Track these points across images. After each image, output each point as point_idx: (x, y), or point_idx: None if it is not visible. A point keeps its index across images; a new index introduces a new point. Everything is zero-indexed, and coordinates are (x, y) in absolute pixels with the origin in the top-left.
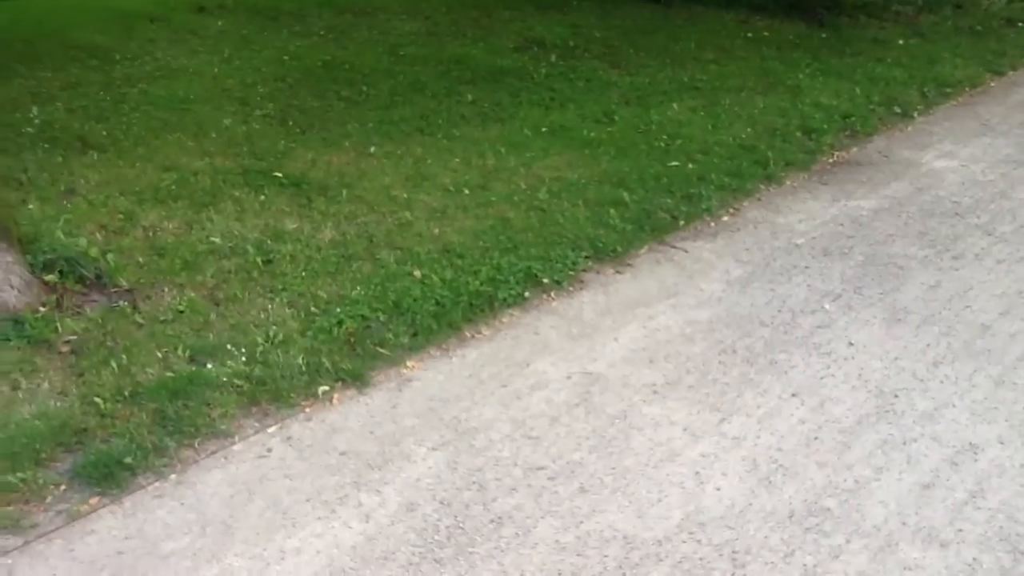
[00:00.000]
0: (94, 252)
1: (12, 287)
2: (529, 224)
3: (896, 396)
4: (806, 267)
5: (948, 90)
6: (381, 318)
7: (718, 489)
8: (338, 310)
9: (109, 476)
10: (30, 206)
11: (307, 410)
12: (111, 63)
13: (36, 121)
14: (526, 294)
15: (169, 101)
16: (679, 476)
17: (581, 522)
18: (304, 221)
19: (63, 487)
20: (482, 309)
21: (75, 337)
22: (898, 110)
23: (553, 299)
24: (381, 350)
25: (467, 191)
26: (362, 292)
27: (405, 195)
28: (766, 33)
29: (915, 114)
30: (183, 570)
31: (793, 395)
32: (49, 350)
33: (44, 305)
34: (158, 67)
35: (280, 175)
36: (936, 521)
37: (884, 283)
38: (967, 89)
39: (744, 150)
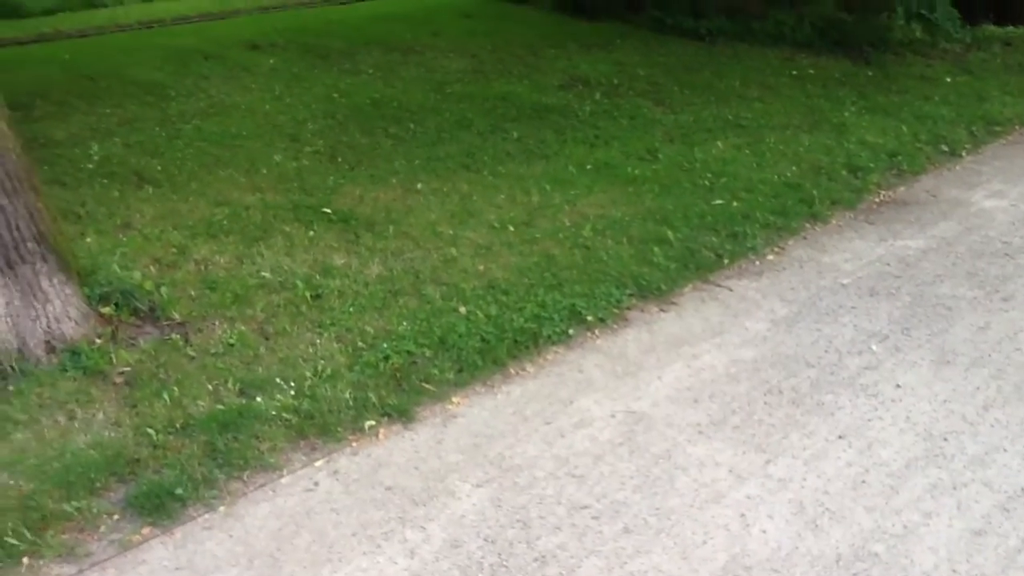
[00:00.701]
0: (148, 285)
1: (70, 318)
2: (573, 261)
3: (945, 439)
4: (852, 307)
5: (997, 128)
6: (427, 354)
7: (764, 532)
8: (384, 345)
9: (161, 507)
10: (87, 239)
11: (353, 444)
12: (166, 99)
13: (95, 157)
14: (570, 331)
15: (222, 137)
16: (724, 518)
17: (625, 563)
18: (352, 256)
19: (116, 516)
20: (527, 346)
21: (129, 368)
22: (946, 148)
23: (597, 337)
24: (426, 386)
25: (512, 228)
26: (408, 327)
27: (451, 231)
28: (811, 71)
29: (963, 153)
30: None
31: (840, 437)
32: (104, 381)
33: (100, 337)
34: (211, 103)
35: (329, 211)
36: (988, 569)
37: (932, 324)
38: (1016, 127)
39: (789, 188)
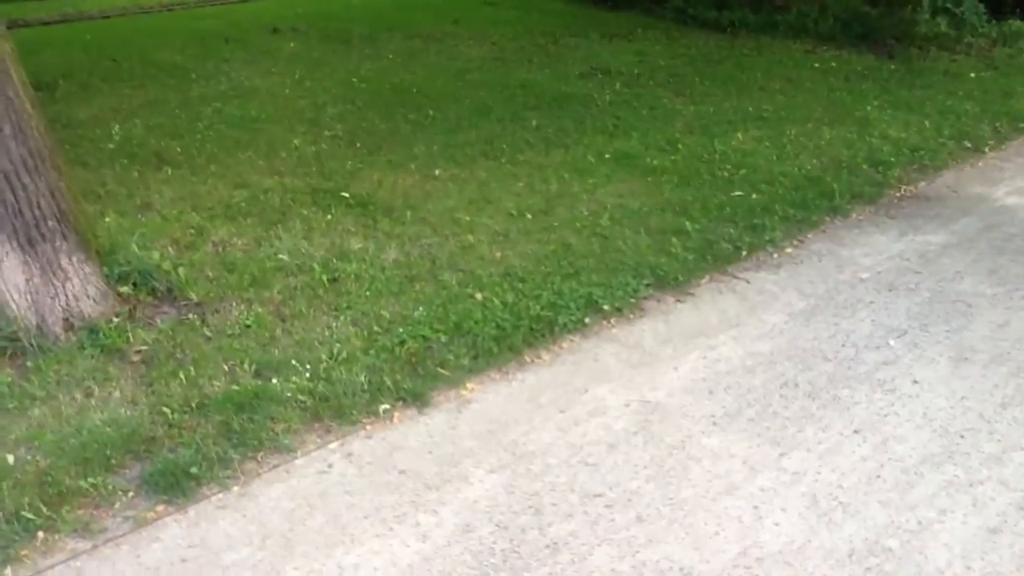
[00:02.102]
0: (166, 266)
1: (89, 297)
2: (591, 250)
3: (962, 437)
4: (871, 302)
5: (1022, 125)
6: (442, 339)
7: (777, 524)
8: (400, 330)
9: (175, 485)
10: (107, 219)
11: (368, 427)
12: (188, 82)
13: (116, 138)
14: (586, 320)
15: (242, 120)
16: (737, 510)
17: (637, 552)
18: (369, 241)
19: (131, 494)
20: (542, 334)
21: (146, 347)
22: (969, 144)
23: (613, 326)
24: (442, 371)
25: (530, 216)
26: (424, 313)
27: (468, 218)
28: (834, 64)
29: (986, 149)
30: None
31: (856, 432)
32: (121, 359)
33: (118, 315)
34: (232, 87)
35: (347, 195)
36: (1003, 568)
37: (951, 321)
38: None
39: (810, 181)
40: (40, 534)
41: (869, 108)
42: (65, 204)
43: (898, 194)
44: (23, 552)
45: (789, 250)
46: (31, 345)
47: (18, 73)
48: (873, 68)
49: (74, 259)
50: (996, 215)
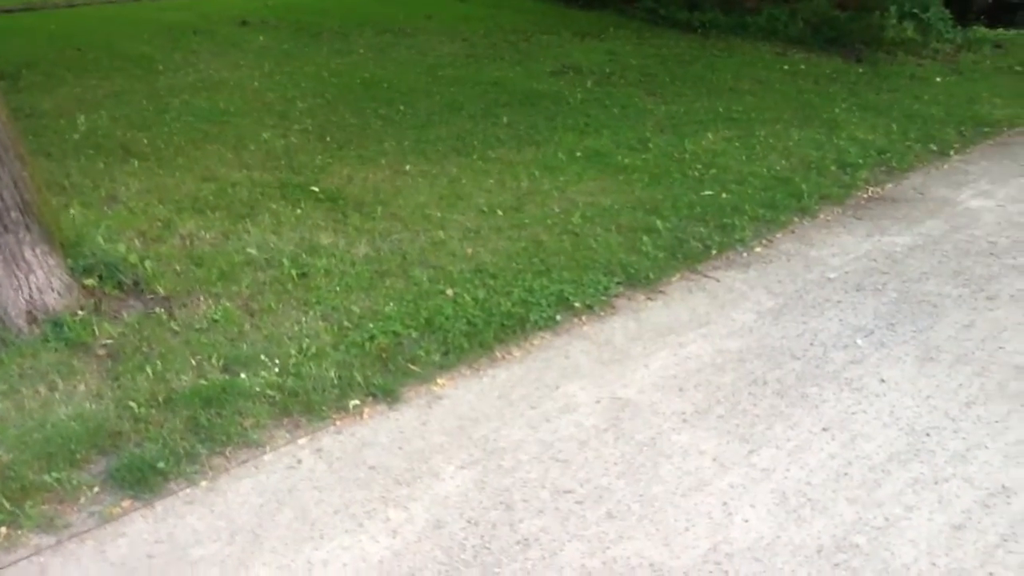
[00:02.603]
0: (133, 259)
1: (53, 289)
2: (562, 247)
3: (928, 435)
4: (839, 301)
5: (986, 129)
6: (413, 335)
7: (746, 521)
8: (371, 325)
9: (142, 480)
10: (72, 211)
11: (338, 423)
12: (155, 73)
13: (81, 129)
14: (557, 317)
15: (210, 113)
16: (707, 506)
17: (608, 548)
18: (339, 236)
19: (96, 489)
20: (514, 330)
21: (112, 341)
22: (935, 148)
23: (584, 323)
24: (412, 367)
25: (501, 212)
26: (395, 308)
27: (439, 214)
28: (803, 66)
29: (952, 152)
30: None
31: (824, 429)
32: (86, 353)
33: (83, 308)
34: (200, 79)
35: (317, 190)
36: (967, 563)
37: (917, 321)
38: (1005, 129)
39: (779, 182)
40: (3, 530)
41: (837, 110)
42: (29, 195)
43: (865, 195)
44: None
45: (758, 249)
46: None
47: None
48: (841, 71)
49: (38, 251)
50: (961, 217)
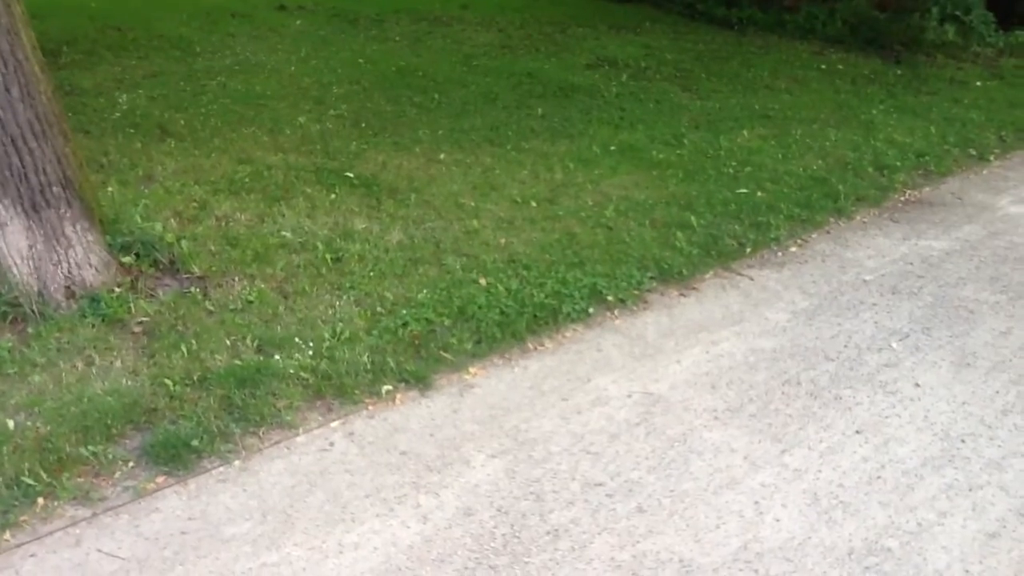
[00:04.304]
0: (169, 238)
1: (91, 265)
2: (596, 241)
3: (963, 441)
4: (874, 304)
5: None
6: (446, 323)
7: (777, 520)
8: (404, 312)
9: (176, 457)
10: (110, 189)
11: (370, 407)
12: (193, 55)
13: (122, 107)
14: (590, 310)
15: (247, 96)
16: (738, 504)
17: (638, 542)
18: (373, 222)
19: (131, 464)
20: (546, 322)
21: (147, 319)
22: (974, 152)
23: (617, 317)
24: (445, 354)
25: (534, 204)
26: (428, 296)
27: (473, 203)
28: (840, 66)
29: (991, 157)
30: (243, 555)
31: (857, 432)
32: (122, 330)
33: (120, 285)
34: (237, 62)
35: (351, 175)
36: (1001, 572)
37: (953, 326)
38: None
39: (815, 182)
40: (40, 500)
41: (875, 112)
42: (71, 171)
43: (902, 198)
44: (23, 518)
45: (793, 249)
46: (32, 311)
47: (28, 37)
48: (880, 72)
49: (78, 227)
50: (1000, 223)
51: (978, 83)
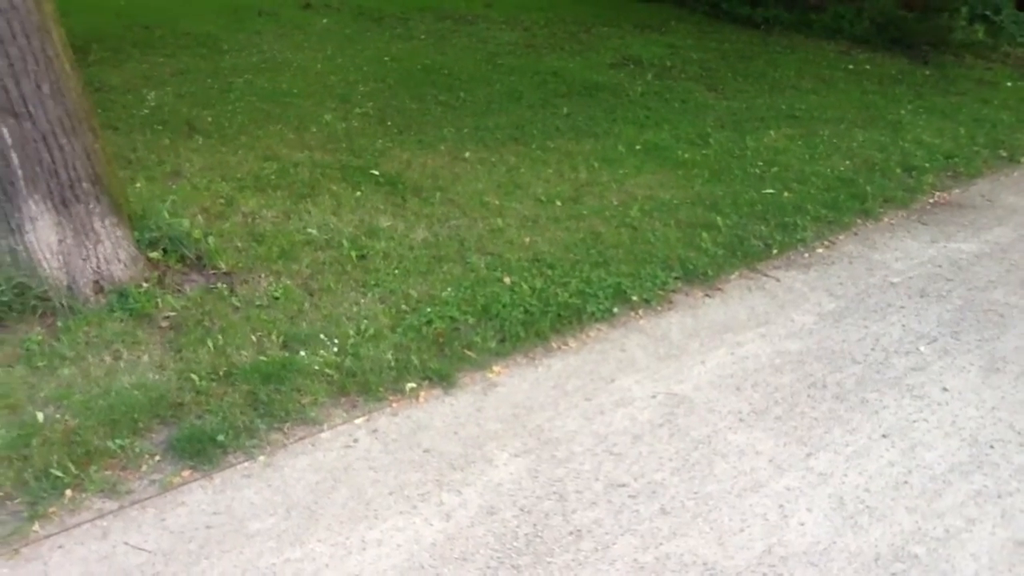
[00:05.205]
0: (196, 234)
1: (119, 260)
2: (620, 240)
3: (992, 447)
4: (901, 307)
5: None
6: (470, 321)
7: (802, 524)
8: (428, 310)
9: (201, 451)
10: (137, 185)
11: (394, 405)
12: (219, 53)
13: (150, 104)
14: (614, 310)
15: (273, 93)
16: (762, 507)
17: (661, 544)
18: (398, 220)
19: (158, 458)
20: (570, 321)
21: (174, 314)
22: (1004, 154)
23: (641, 317)
24: (469, 353)
25: (559, 203)
26: (452, 294)
27: (497, 202)
28: (868, 66)
29: (1022, 159)
30: (267, 550)
31: (883, 436)
32: (149, 324)
33: (147, 280)
34: (263, 59)
35: (376, 173)
36: None
37: (983, 330)
38: None
39: (842, 183)
40: (68, 492)
41: (903, 112)
42: (100, 167)
43: (931, 200)
44: (51, 509)
45: (820, 250)
46: (61, 305)
47: (59, 33)
48: (907, 72)
49: (106, 222)
50: None
51: (1008, 83)
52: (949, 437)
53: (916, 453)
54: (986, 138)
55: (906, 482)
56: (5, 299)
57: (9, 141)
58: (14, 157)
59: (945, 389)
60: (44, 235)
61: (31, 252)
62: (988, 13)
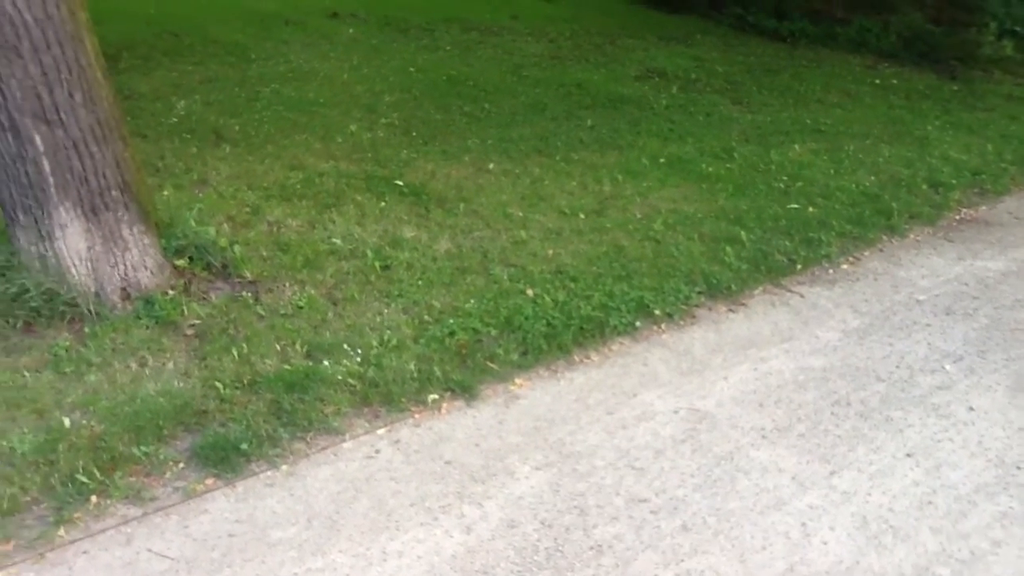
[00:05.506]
0: (222, 242)
1: (146, 268)
2: (643, 254)
3: (1018, 468)
4: (927, 324)
5: None
6: (492, 333)
7: (825, 543)
8: (451, 321)
9: (225, 459)
10: (165, 192)
11: (416, 416)
12: (247, 61)
13: (179, 112)
14: (637, 324)
15: (299, 102)
16: (785, 525)
17: (682, 560)
18: (422, 230)
19: (181, 465)
20: (592, 334)
21: (199, 322)
22: None
23: (664, 331)
24: (491, 365)
25: (582, 215)
26: (475, 305)
27: (521, 213)
28: (894, 81)
29: None
30: (289, 560)
31: (908, 455)
32: (175, 332)
33: (173, 288)
34: (290, 69)
35: (401, 183)
36: None
37: (1010, 349)
38: None
39: (867, 198)
40: (93, 498)
41: (929, 128)
42: (129, 175)
43: (957, 217)
44: (76, 515)
45: (845, 266)
46: (89, 311)
47: (92, 43)
48: (934, 88)
49: (135, 230)
50: None
51: None
52: (975, 457)
53: (941, 473)
54: (1014, 154)
55: (931, 502)
56: (35, 304)
57: (41, 148)
58: (46, 164)
59: (971, 408)
60: (73, 242)
61: (60, 258)
62: (1017, 28)
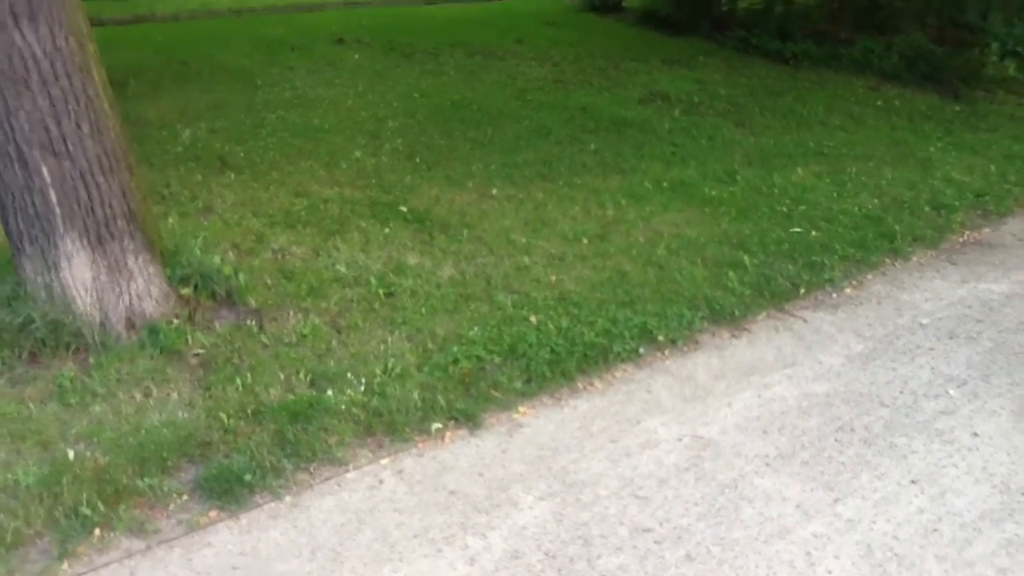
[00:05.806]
0: (227, 270)
1: (151, 297)
2: (646, 279)
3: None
4: (931, 348)
5: None
6: (496, 360)
7: (829, 572)
8: (455, 348)
9: (229, 491)
10: (170, 220)
11: (419, 445)
12: (253, 87)
13: (185, 141)
14: (640, 350)
15: (304, 129)
16: (789, 554)
17: None
18: (425, 257)
19: (185, 497)
20: (596, 361)
21: (204, 351)
22: None
23: (667, 357)
24: (494, 393)
25: (586, 240)
26: (479, 333)
27: (524, 239)
28: (897, 102)
29: None
30: None
31: (912, 482)
32: (179, 361)
33: (178, 317)
34: (296, 95)
35: (405, 209)
36: None
37: (1014, 373)
38: None
39: (870, 221)
40: (97, 531)
41: (932, 149)
42: (135, 204)
43: (961, 239)
44: (80, 548)
45: (848, 290)
46: (94, 341)
47: (100, 74)
48: (937, 109)
49: (140, 259)
50: None
51: None
52: (979, 483)
53: (946, 500)
54: (1017, 175)
55: (936, 529)
56: (40, 335)
57: (48, 179)
58: (52, 195)
59: (975, 434)
60: (79, 272)
61: (66, 289)
62: (1020, 49)
